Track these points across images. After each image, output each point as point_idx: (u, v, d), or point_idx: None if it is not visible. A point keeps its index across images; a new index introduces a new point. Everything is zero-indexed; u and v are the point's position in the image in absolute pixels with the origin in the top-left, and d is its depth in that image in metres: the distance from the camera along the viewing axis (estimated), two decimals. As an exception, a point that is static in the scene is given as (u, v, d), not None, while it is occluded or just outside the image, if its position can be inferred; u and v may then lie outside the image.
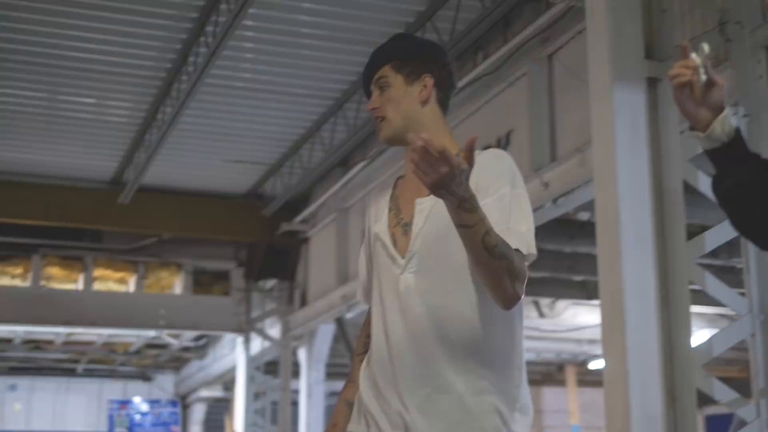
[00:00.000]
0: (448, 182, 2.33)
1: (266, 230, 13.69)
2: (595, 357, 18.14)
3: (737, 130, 2.42)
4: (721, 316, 13.56)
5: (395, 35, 3.00)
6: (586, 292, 13.93)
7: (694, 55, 2.38)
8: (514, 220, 2.59)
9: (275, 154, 12.46)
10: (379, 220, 2.80)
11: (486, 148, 9.37)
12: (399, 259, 2.68)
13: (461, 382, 2.60)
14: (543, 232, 6.99)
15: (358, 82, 10.03)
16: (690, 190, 5.76)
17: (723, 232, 5.75)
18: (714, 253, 6.83)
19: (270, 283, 14.51)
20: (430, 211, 2.67)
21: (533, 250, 2.57)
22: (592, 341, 17.18)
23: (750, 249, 5.73)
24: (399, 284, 2.66)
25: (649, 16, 5.87)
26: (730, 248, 7.79)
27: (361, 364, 2.87)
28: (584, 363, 19.34)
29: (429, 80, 2.78)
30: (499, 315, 2.63)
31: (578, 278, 13.20)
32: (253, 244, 14.26)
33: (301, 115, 11.28)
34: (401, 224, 2.75)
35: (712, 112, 2.39)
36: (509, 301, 2.54)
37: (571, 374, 20.25)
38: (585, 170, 7.17)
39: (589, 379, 20.13)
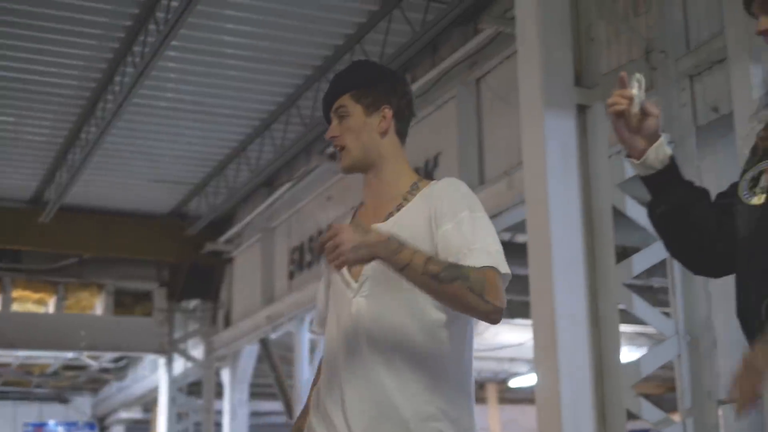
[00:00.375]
0: (354, 256, 2.45)
1: (190, 250, 13.61)
2: (516, 375, 18.36)
3: (671, 158, 2.49)
4: (640, 334, 13.85)
5: (356, 62, 2.96)
6: (509, 311, 14.07)
7: (635, 87, 2.44)
8: (480, 241, 2.58)
9: (200, 173, 12.42)
10: None
11: (415, 170, 9.44)
12: (352, 283, 2.70)
13: (408, 407, 2.61)
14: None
15: (286, 103, 10.09)
16: (618, 214, 5.90)
17: (650, 255, 5.92)
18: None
19: (193, 303, 14.40)
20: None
21: (508, 270, 2.57)
22: (513, 359, 17.38)
23: (675, 272, 5.91)
24: (351, 308, 2.68)
25: (578, 44, 6.02)
26: (650, 269, 7.98)
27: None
28: (505, 381, 19.53)
29: (388, 111, 2.78)
30: (449, 342, 2.65)
31: (501, 297, 13.30)
32: (176, 264, 14.15)
33: (227, 135, 11.27)
34: None
35: (646, 141, 2.45)
36: (489, 316, 2.52)
37: (492, 392, 20.43)
38: (513, 193, 7.30)
39: (510, 397, 20.35)
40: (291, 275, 11.93)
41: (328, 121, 2.85)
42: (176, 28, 7.71)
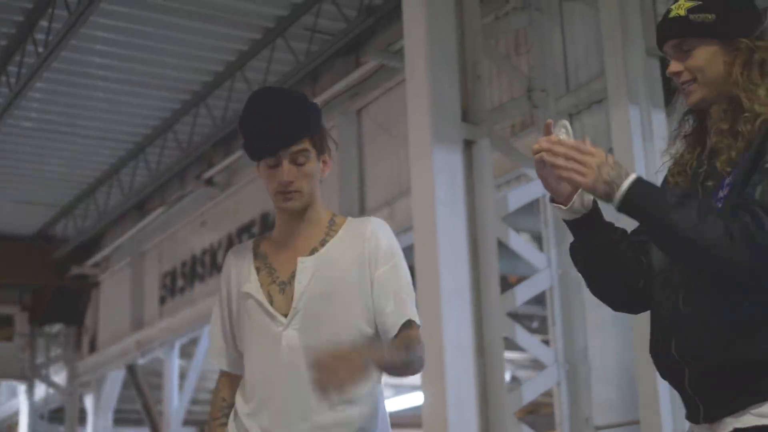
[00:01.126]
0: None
1: (55, 273, 13.26)
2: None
3: (594, 202, 2.54)
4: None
5: (312, 104, 2.84)
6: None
7: (562, 133, 2.46)
8: (407, 288, 2.73)
9: (67, 195, 12.16)
10: (249, 280, 2.81)
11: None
12: (279, 317, 2.70)
13: None
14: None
15: (162, 126, 10.00)
16: (501, 246, 6.10)
17: (531, 286, 6.14)
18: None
19: (56, 327, 14.03)
20: (314, 271, 2.71)
21: (419, 320, 2.74)
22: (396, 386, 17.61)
23: (555, 302, 6.15)
24: (281, 341, 2.70)
25: (465, 81, 6.20)
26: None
27: (221, 429, 2.88)
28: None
29: (328, 158, 2.81)
30: (374, 374, 2.71)
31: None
32: (39, 288, 13.76)
33: (98, 157, 11.08)
34: (277, 282, 2.77)
35: (571, 186, 2.46)
36: (418, 372, 2.74)
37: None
38: (394, 222, 7.43)
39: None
40: (162, 300, 11.78)
41: (268, 156, 2.73)
42: (58, 49, 7.58)
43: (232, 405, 2.86)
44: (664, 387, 5.19)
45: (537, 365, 7.15)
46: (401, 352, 2.61)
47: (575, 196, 2.47)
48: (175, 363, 11.58)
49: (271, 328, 2.71)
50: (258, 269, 2.80)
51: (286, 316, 2.70)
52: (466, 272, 5.82)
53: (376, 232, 2.74)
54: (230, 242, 10.20)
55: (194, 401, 12.72)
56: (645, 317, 5.22)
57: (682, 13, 2.41)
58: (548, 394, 6.28)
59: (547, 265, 6.21)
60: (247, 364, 2.83)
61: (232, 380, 2.88)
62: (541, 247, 6.43)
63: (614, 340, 6.02)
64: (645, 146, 5.55)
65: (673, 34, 2.44)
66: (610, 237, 2.53)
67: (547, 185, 2.49)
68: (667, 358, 2.36)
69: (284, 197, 2.70)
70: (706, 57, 2.39)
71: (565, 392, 5.99)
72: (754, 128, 2.30)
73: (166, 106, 9.73)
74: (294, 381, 2.67)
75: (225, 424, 2.88)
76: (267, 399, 2.73)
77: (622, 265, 2.53)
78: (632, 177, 2.25)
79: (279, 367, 2.69)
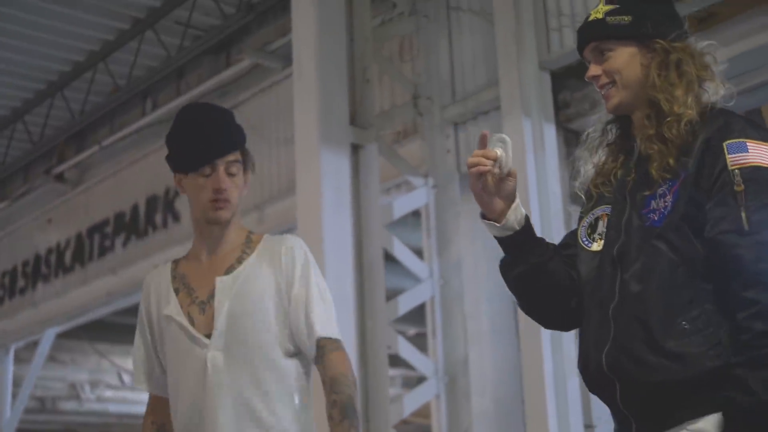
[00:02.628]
0: None
1: None
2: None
3: (526, 218, 2.51)
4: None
5: (235, 119, 2.89)
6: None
7: (499, 148, 2.38)
8: (329, 307, 2.81)
9: None
10: (168, 302, 2.79)
11: (152, 197, 9.04)
12: (202, 339, 2.71)
13: None
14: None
15: (11, 117, 9.47)
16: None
17: (413, 297, 6.07)
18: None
19: None
20: (234, 290, 2.74)
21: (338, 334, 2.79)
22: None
23: (436, 313, 6.08)
24: (206, 362, 2.68)
25: (354, 85, 6.08)
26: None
27: None
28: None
29: (249, 174, 2.87)
30: (301, 391, 2.75)
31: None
32: None
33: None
34: (197, 302, 2.77)
35: (505, 202, 2.44)
36: None
37: None
38: (264, 228, 7.24)
39: None
40: (0, 301, 11.15)
41: (203, 165, 2.75)
42: None
43: (161, 426, 2.87)
44: (551, 399, 5.20)
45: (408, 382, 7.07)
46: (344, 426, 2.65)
47: (509, 212, 2.43)
48: (9, 368, 11.00)
49: (195, 350, 2.71)
50: (177, 290, 2.81)
51: (208, 336, 2.69)
52: (351, 279, 5.70)
53: (292, 250, 2.79)
54: (79, 241, 9.75)
55: (28, 410, 12.14)
56: (533, 331, 5.23)
57: (600, 16, 2.43)
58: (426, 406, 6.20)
59: (429, 276, 6.14)
60: (172, 389, 2.79)
61: (161, 403, 2.86)
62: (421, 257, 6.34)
63: (493, 352, 6.01)
64: (536, 158, 5.56)
65: (591, 36, 2.44)
66: (542, 254, 2.49)
67: (480, 201, 2.45)
68: (597, 373, 2.32)
69: (216, 205, 2.73)
70: (624, 59, 2.39)
71: (444, 405, 5.93)
72: (681, 131, 2.28)
73: (17, 95, 9.21)
74: (222, 402, 2.66)
75: None
76: (197, 423, 2.70)
77: (555, 283, 2.50)
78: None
79: (206, 389, 2.68)
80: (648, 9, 2.42)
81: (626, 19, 2.40)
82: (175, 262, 2.89)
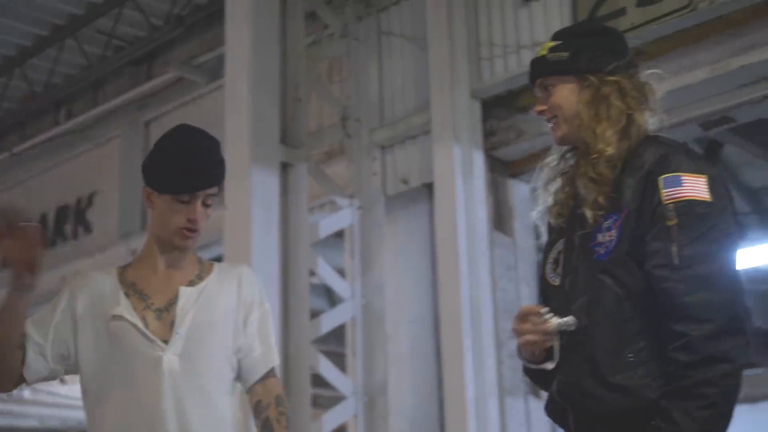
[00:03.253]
0: None
1: None
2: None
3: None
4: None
5: (221, 150, 2.89)
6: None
7: (553, 321, 2.35)
8: (272, 335, 2.90)
9: None
10: (118, 303, 2.76)
11: (65, 207, 8.81)
12: (158, 341, 2.71)
13: None
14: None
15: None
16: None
17: (335, 316, 6.09)
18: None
19: None
20: (197, 300, 2.77)
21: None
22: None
23: (357, 333, 6.11)
24: (161, 365, 2.69)
25: (285, 103, 6.08)
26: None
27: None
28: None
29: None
30: (238, 408, 2.79)
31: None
32: None
33: None
34: (152, 309, 2.77)
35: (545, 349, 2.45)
36: None
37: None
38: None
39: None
40: None
41: (185, 192, 2.73)
42: None
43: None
44: (472, 421, 5.27)
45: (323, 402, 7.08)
46: None
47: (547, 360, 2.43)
48: None
49: (148, 352, 2.70)
50: (127, 294, 2.78)
51: (164, 341, 2.71)
52: (277, 299, 5.69)
53: (251, 278, 2.88)
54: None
55: None
56: (456, 354, 5.30)
57: (545, 52, 2.55)
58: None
59: (351, 296, 6.17)
60: (104, 391, 2.73)
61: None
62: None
63: (412, 374, 6.06)
64: (465, 183, 5.66)
65: (536, 73, 2.56)
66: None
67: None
68: (552, 400, 2.42)
69: (187, 235, 2.74)
70: (564, 94, 2.50)
71: (362, 425, 5.95)
72: (603, 170, 2.37)
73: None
74: (173, 406, 2.68)
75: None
76: (139, 424, 2.69)
77: None
78: None
79: (159, 391, 2.68)
80: (585, 43, 2.51)
81: (564, 55, 2.50)
82: (120, 270, 2.86)
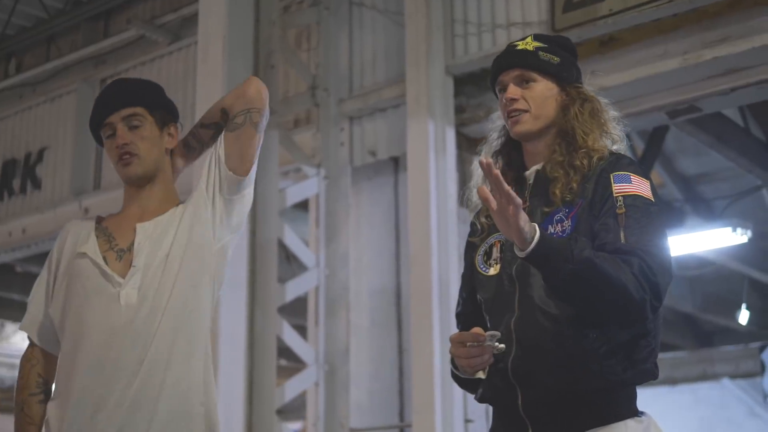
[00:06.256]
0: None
1: None
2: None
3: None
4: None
5: (146, 82, 2.97)
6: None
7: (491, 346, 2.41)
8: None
9: None
10: (86, 243, 2.77)
11: (13, 161, 8.68)
12: (116, 277, 2.68)
13: (192, 390, 2.68)
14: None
15: None
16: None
17: (299, 284, 6.12)
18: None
19: None
20: (153, 231, 2.75)
21: None
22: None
23: (320, 302, 6.15)
24: (119, 300, 2.66)
25: (258, 70, 6.06)
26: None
27: (39, 404, 2.75)
28: (12, 389, 18.53)
29: (174, 130, 2.90)
30: (206, 341, 2.76)
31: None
32: None
33: None
34: (115, 249, 2.76)
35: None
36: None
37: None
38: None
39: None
40: None
41: (99, 125, 2.84)
42: None
43: (47, 384, 2.80)
44: (438, 394, 5.37)
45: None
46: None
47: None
48: None
49: (107, 290, 2.69)
50: (97, 236, 2.79)
51: (123, 278, 2.68)
52: (245, 264, 5.71)
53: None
54: None
55: None
56: (424, 326, 5.38)
57: (531, 48, 2.66)
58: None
59: (315, 265, 6.20)
60: (74, 330, 2.71)
61: (46, 357, 2.82)
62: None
63: (371, 344, 6.14)
64: (437, 159, 5.72)
65: (520, 64, 2.64)
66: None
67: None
68: (498, 379, 2.47)
69: (123, 162, 2.77)
70: (544, 93, 2.62)
71: (323, 393, 6.01)
72: (591, 163, 2.52)
73: None
74: (133, 340, 2.63)
75: (44, 403, 2.77)
76: (102, 363, 2.63)
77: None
78: (537, 229, 2.32)
79: (114, 327, 2.64)
80: (570, 58, 2.69)
81: (555, 59, 2.63)
82: (101, 217, 2.89)
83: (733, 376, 14.52)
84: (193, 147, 2.96)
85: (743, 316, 11.93)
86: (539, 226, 2.30)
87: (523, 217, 2.27)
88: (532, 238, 2.27)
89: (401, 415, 5.98)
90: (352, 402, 6.06)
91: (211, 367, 2.75)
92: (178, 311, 2.67)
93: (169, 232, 2.73)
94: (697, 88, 5.49)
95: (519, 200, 2.25)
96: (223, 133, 2.83)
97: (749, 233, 9.31)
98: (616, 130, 2.64)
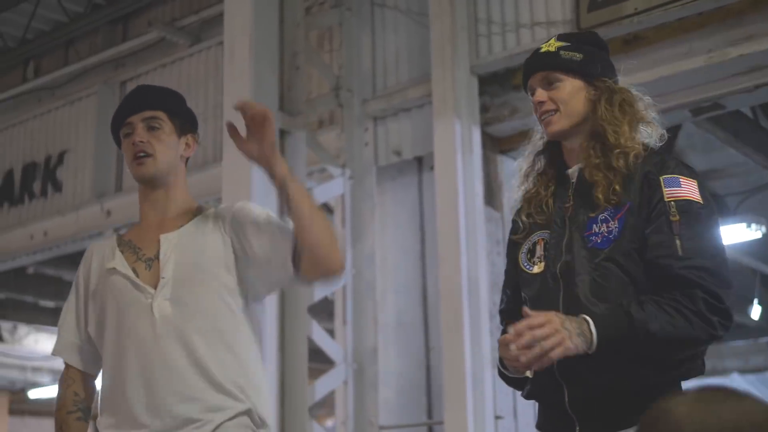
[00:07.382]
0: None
1: None
2: (37, 386, 17.73)
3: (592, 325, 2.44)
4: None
5: (170, 90, 3.02)
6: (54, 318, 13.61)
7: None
8: (264, 216, 2.84)
9: None
10: (113, 258, 2.80)
11: (33, 165, 8.74)
12: (148, 288, 2.71)
13: (225, 393, 2.67)
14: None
15: None
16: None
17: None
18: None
19: None
20: (179, 242, 2.76)
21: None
22: (37, 369, 16.81)
23: (348, 302, 6.19)
24: (153, 313, 2.68)
25: (283, 71, 6.11)
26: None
27: (77, 422, 2.81)
28: (23, 391, 18.64)
29: (192, 141, 2.93)
30: (250, 326, 2.76)
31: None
32: None
33: None
34: (143, 259, 2.79)
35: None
36: (340, 266, 2.71)
37: (3, 402, 19.33)
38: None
39: (26, 408, 19.57)
40: None
41: (120, 125, 2.87)
42: None
43: (85, 401, 2.85)
44: (470, 390, 5.42)
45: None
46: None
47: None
48: None
49: (140, 301, 2.71)
50: (122, 251, 2.81)
51: (155, 288, 2.70)
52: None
53: (232, 204, 2.87)
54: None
55: None
56: (455, 326, 5.42)
57: (553, 49, 2.68)
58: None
59: (342, 264, 6.23)
60: (113, 345, 2.75)
61: (83, 377, 2.87)
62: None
63: (397, 343, 6.18)
64: (464, 159, 5.77)
65: (543, 66, 2.67)
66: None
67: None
68: (545, 377, 2.49)
69: (137, 161, 2.79)
70: (571, 91, 2.63)
71: (351, 391, 6.05)
72: (628, 163, 2.52)
73: None
74: (171, 350, 2.65)
75: (82, 420, 2.84)
76: (146, 377, 2.67)
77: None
78: (588, 318, 2.36)
79: (152, 338, 2.67)
80: (596, 52, 2.69)
81: (578, 56, 2.64)
82: (123, 234, 2.91)
83: (743, 371, 14.59)
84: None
85: (755, 312, 11.95)
86: (588, 318, 2.35)
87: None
88: (590, 331, 2.33)
89: (429, 413, 6.03)
90: (380, 400, 6.11)
91: (259, 370, 2.77)
92: (211, 317, 2.69)
93: (194, 243, 2.75)
94: (722, 86, 5.54)
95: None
96: (292, 244, 2.69)
97: (763, 229, 9.36)
98: (650, 117, 2.63)
